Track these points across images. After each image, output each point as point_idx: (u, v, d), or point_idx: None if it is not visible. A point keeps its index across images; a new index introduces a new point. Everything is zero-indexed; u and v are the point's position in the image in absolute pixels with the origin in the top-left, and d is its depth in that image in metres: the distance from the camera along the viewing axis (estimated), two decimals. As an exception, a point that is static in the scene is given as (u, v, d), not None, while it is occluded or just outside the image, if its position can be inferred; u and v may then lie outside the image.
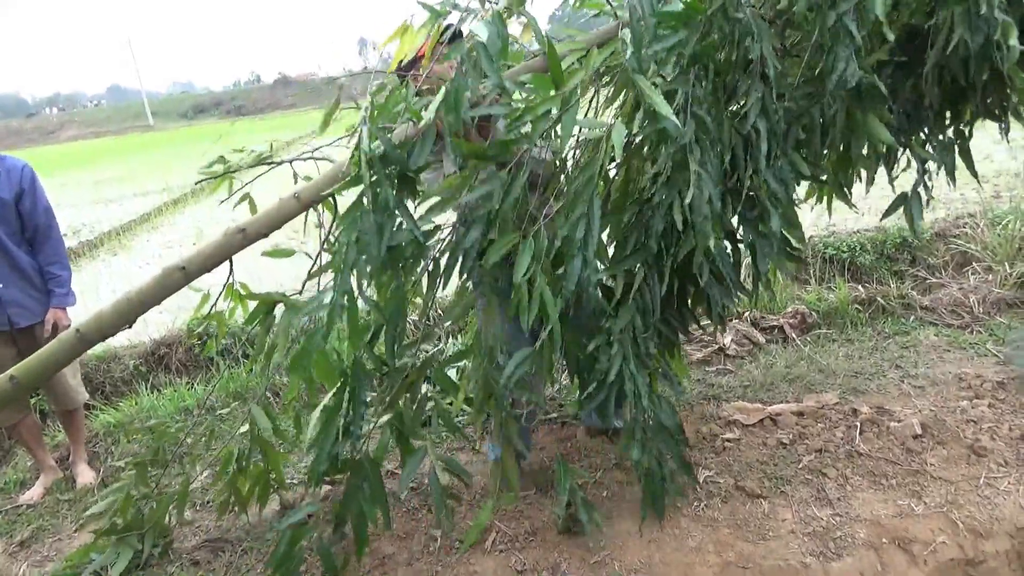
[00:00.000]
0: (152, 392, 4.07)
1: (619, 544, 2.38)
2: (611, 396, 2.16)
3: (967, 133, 2.32)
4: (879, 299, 4.09)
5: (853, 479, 2.60)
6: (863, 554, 2.30)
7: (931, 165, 2.31)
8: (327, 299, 1.90)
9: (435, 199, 2.03)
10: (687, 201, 1.87)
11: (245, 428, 2.52)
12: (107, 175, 17.39)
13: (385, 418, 2.27)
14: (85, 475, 3.29)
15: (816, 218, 5.84)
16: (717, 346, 3.83)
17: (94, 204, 12.34)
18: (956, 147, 2.31)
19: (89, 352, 4.39)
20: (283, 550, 2.11)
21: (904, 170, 2.37)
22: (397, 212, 1.92)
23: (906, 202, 2.32)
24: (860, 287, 4.26)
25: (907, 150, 2.30)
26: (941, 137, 2.29)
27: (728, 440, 2.90)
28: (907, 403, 3.05)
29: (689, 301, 2.42)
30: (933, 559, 2.30)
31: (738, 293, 2.30)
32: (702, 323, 2.51)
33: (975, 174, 2.38)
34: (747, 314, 4.06)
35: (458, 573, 2.34)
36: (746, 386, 3.39)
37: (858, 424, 2.88)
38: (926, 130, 2.30)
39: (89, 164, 22.12)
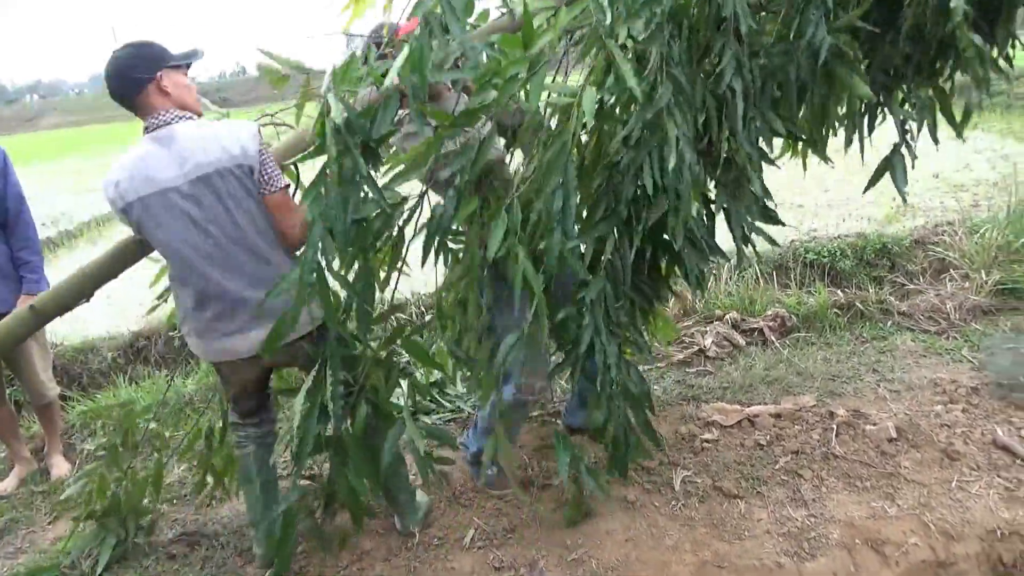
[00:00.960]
0: (130, 384, 4.04)
1: (596, 542, 2.39)
2: (579, 368, 2.10)
3: (947, 90, 2.21)
4: (858, 304, 4.14)
5: (828, 481, 2.63)
6: (836, 555, 2.33)
7: (912, 125, 2.21)
8: (294, 277, 1.84)
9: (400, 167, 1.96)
10: (670, 166, 1.79)
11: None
12: (88, 164, 17.17)
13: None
14: (60, 467, 3.26)
15: (798, 223, 5.91)
16: (697, 347, 3.86)
17: (74, 194, 12.18)
18: (936, 104, 2.19)
19: (67, 343, 4.36)
20: (279, 536, 2.07)
21: (880, 123, 2.28)
22: (363, 183, 1.85)
23: (890, 165, 2.21)
24: (840, 292, 4.31)
25: (885, 109, 2.21)
26: (921, 95, 2.18)
27: (706, 441, 2.92)
28: (883, 407, 3.09)
29: (663, 268, 2.37)
30: (905, 560, 2.34)
31: (714, 257, 2.22)
32: (675, 289, 2.42)
33: (958, 130, 2.24)
34: (728, 316, 4.09)
35: (436, 569, 2.34)
36: (725, 387, 3.42)
37: (834, 427, 2.92)
38: (905, 88, 2.20)
39: (70, 153, 21.84)
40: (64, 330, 4.59)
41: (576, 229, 1.89)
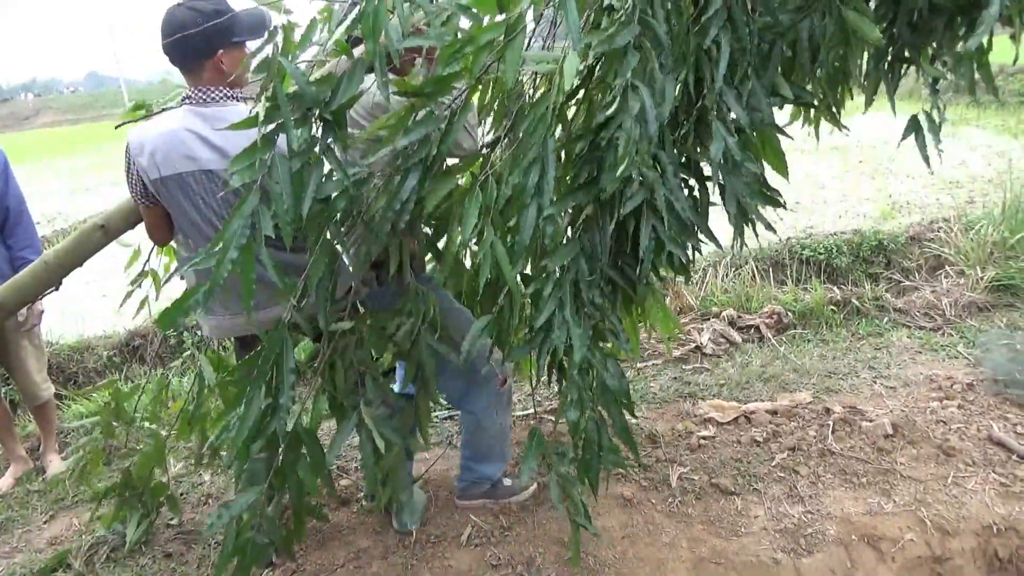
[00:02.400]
0: (126, 383, 4.03)
1: (593, 539, 2.39)
2: (543, 349, 1.87)
3: (985, 44, 1.91)
4: (854, 301, 4.15)
5: (825, 477, 2.63)
6: (833, 551, 2.33)
7: (943, 84, 2.02)
8: (231, 255, 1.64)
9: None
10: (627, 126, 1.59)
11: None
12: (84, 163, 17.12)
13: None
14: (56, 466, 3.25)
15: (794, 220, 5.92)
16: (694, 344, 3.86)
17: (70, 192, 12.15)
18: (974, 60, 1.95)
19: (62, 342, 4.35)
20: (229, 548, 1.89)
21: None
22: (325, 157, 1.71)
23: (918, 128, 2.01)
24: (836, 288, 4.32)
25: (910, 66, 2.02)
26: (957, 49, 1.96)
27: (703, 437, 2.93)
28: (879, 403, 3.10)
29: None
30: (901, 556, 2.34)
31: (704, 240, 1.96)
32: (663, 275, 2.18)
33: (994, 90, 2.03)
34: (724, 313, 4.10)
35: (433, 567, 2.34)
36: (722, 384, 3.43)
37: (831, 423, 2.92)
38: (935, 44, 1.98)
39: (65, 151, 21.77)
40: (60, 329, 4.58)
41: (552, 207, 1.71)
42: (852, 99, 2.16)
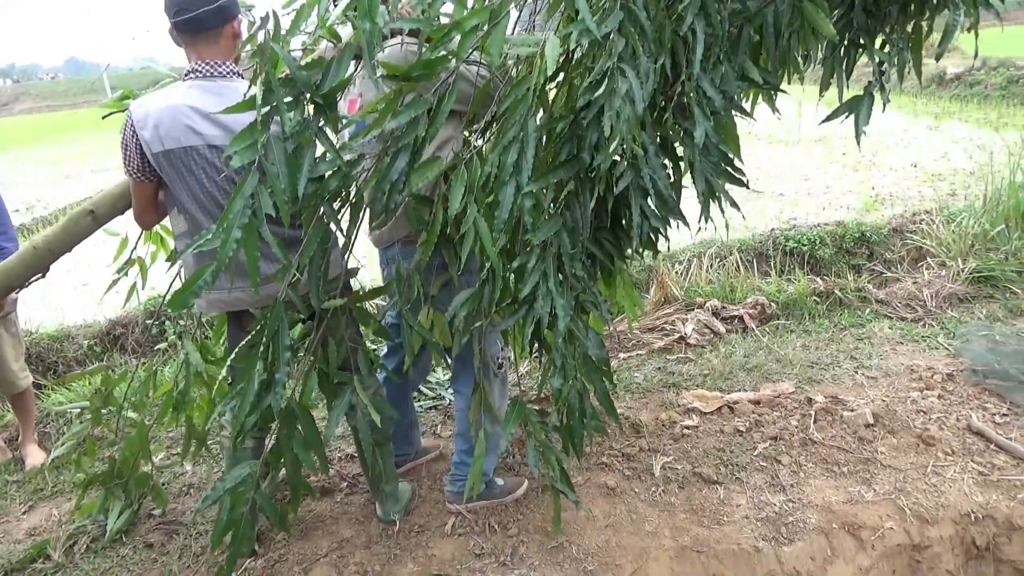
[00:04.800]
0: (110, 372, 3.99)
1: (577, 528, 2.40)
2: (527, 319, 1.93)
3: (927, 28, 2.09)
4: (837, 292, 4.18)
5: (806, 466, 2.66)
6: (814, 539, 2.35)
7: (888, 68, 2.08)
8: (235, 235, 1.67)
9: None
10: (617, 107, 1.66)
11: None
12: (64, 150, 16.90)
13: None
14: (35, 456, 3.22)
15: (778, 211, 5.95)
16: (678, 335, 3.88)
17: (50, 180, 12.00)
18: (910, 44, 2.08)
19: (42, 331, 4.30)
20: (224, 520, 1.90)
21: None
22: (317, 139, 1.75)
23: (857, 105, 2.08)
24: (819, 280, 4.35)
25: (862, 52, 2.10)
26: (900, 36, 2.06)
27: (687, 427, 2.94)
28: (860, 393, 3.12)
29: (624, 223, 2.18)
30: (881, 544, 2.37)
31: (672, 218, 2.00)
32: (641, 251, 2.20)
33: (919, 72, 2.15)
34: (708, 304, 4.11)
35: (416, 557, 2.34)
36: (706, 374, 3.44)
37: (812, 413, 2.94)
38: (887, 29, 2.06)
39: (45, 139, 21.48)
40: (40, 318, 4.53)
41: (532, 185, 1.77)
42: (790, 83, 2.23)
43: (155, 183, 2.05)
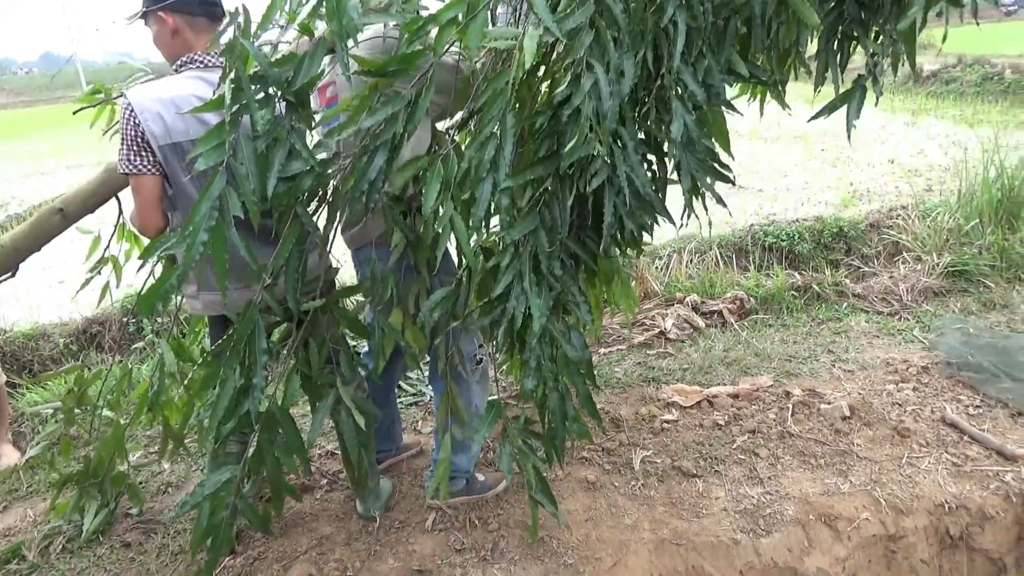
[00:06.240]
0: (84, 371, 3.94)
1: (555, 522, 2.41)
2: (501, 319, 1.89)
3: (920, 21, 2.02)
4: (814, 286, 4.22)
5: (784, 459, 2.68)
6: (791, 530, 2.38)
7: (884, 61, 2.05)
8: (200, 238, 1.62)
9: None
10: (586, 104, 1.64)
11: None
12: (39, 146, 16.63)
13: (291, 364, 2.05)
14: (9, 456, 3.17)
15: (758, 207, 5.99)
16: (658, 330, 3.89)
17: (24, 176, 11.81)
18: (903, 36, 2.03)
19: (16, 329, 4.23)
20: (204, 526, 1.88)
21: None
22: (290, 138, 1.70)
23: (849, 98, 2.06)
24: (797, 274, 4.39)
25: (857, 45, 2.07)
26: (893, 30, 2.01)
27: (666, 421, 2.96)
28: (837, 386, 3.16)
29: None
30: (857, 535, 2.40)
31: (652, 216, 1.95)
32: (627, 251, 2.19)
33: (913, 64, 2.11)
34: (688, 299, 4.14)
35: (397, 552, 2.33)
36: (685, 369, 3.46)
37: (790, 406, 2.97)
38: (881, 21, 2.02)
39: (19, 134, 21.11)
40: (14, 315, 4.46)
41: (509, 181, 1.74)
42: (796, 78, 2.20)
43: (161, 176, 1.96)
